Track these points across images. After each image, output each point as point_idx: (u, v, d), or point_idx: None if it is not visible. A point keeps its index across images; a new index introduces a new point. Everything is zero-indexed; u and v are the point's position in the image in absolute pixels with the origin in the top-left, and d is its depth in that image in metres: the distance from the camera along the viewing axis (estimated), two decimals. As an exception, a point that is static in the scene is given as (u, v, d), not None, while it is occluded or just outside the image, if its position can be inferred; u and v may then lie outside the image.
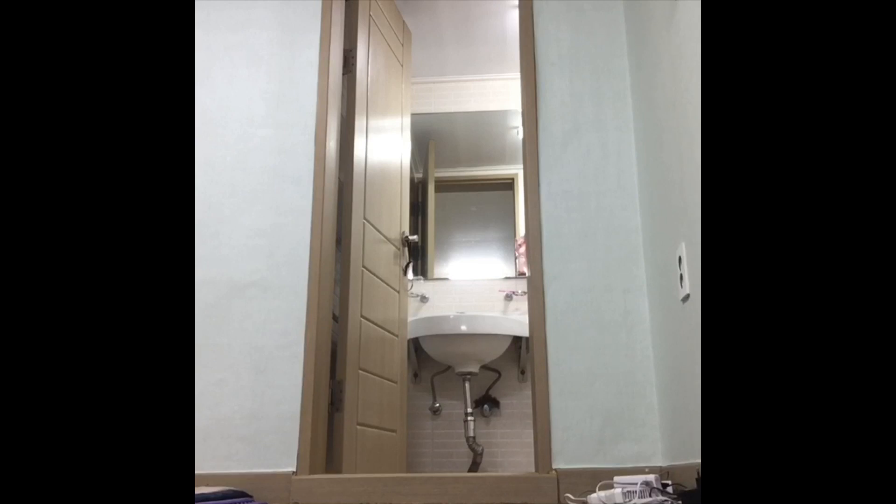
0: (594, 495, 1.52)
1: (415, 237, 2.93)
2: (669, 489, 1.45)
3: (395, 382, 2.64)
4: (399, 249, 2.83)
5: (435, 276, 3.36)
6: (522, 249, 3.30)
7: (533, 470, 1.87)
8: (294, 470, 1.86)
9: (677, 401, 1.66)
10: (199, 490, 1.60)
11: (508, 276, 3.33)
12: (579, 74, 2.17)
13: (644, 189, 1.98)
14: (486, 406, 3.15)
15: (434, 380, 3.22)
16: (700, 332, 1.44)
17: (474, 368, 2.99)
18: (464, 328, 2.88)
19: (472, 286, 3.33)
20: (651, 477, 1.45)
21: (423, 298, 3.31)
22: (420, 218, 3.45)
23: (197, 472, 1.85)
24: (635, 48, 2.07)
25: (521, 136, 2.24)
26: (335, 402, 2.15)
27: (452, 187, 3.50)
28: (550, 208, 2.05)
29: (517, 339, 3.09)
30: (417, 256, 3.39)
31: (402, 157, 2.95)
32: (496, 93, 3.62)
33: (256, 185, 2.13)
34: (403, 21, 3.13)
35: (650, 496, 1.40)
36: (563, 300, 1.96)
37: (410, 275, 3.13)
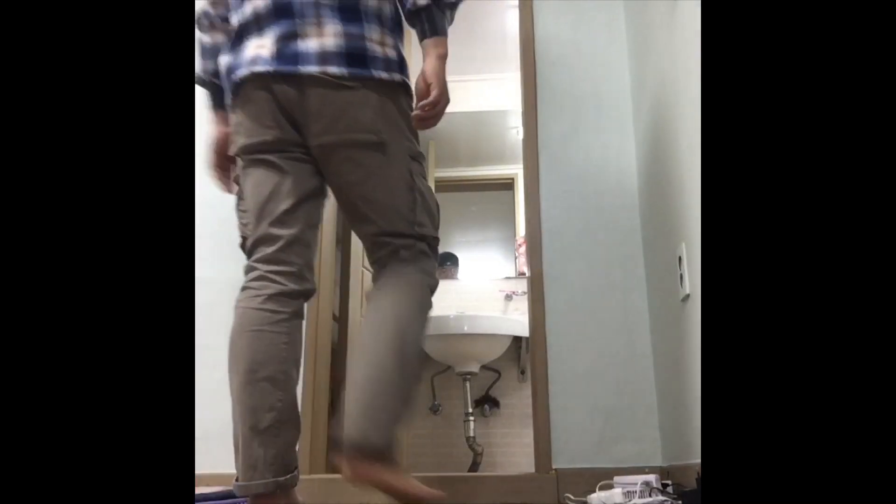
0: (594, 495, 1.52)
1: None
2: (669, 489, 1.45)
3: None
4: (399, 249, 2.82)
5: (435, 276, 3.36)
6: (522, 249, 3.30)
7: (533, 470, 1.87)
8: (294, 470, 1.85)
9: (677, 401, 1.66)
10: (199, 490, 1.60)
11: (508, 276, 3.33)
12: (579, 74, 2.17)
13: (644, 189, 1.98)
14: (486, 406, 3.15)
15: (434, 380, 3.22)
16: (700, 332, 1.44)
17: (474, 368, 2.99)
18: (464, 328, 2.88)
19: (472, 286, 3.33)
20: (651, 477, 1.45)
21: (423, 298, 3.31)
22: (420, 218, 3.45)
23: (197, 472, 1.85)
24: (635, 48, 2.07)
25: (521, 136, 2.24)
26: (335, 402, 2.16)
27: (452, 187, 3.49)
28: (550, 208, 2.05)
29: (517, 339, 3.09)
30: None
31: (402, 157, 2.94)
32: (496, 93, 3.61)
33: (256, 185, 2.12)
34: (403, 21, 3.12)
35: (650, 496, 1.40)
36: (563, 300, 1.96)
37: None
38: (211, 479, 1.82)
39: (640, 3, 1.99)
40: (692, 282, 1.50)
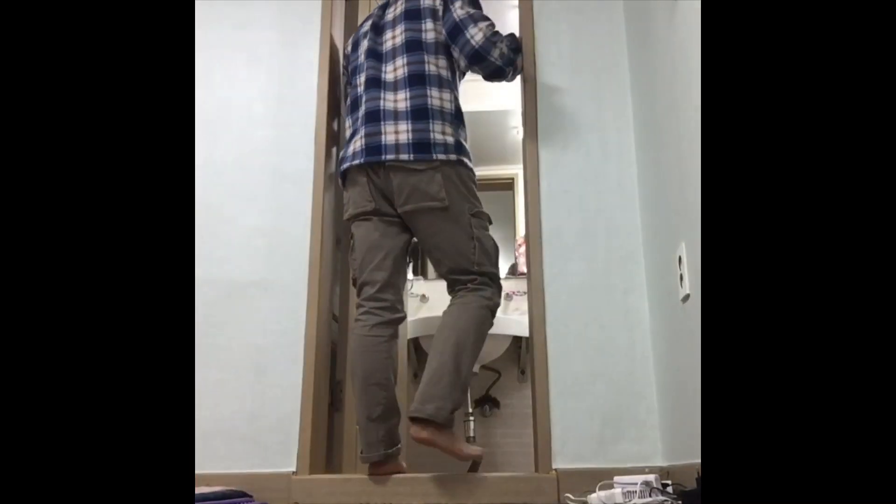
0: (594, 495, 1.51)
1: (415, 237, 2.92)
2: (669, 489, 1.45)
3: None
4: (399, 249, 2.82)
5: (435, 276, 3.36)
6: (522, 249, 3.30)
7: (533, 470, 1.87)
8: (294, 470, 1.85)
9: (677, 401, 1.66)
10: (199, 490, 1.60)
11: (508, 276, 3.33)
12: (579, 74, 2.17)
13: (644, 189, 1.98)
14: (486, 406, 3.15)
15: (434, 380, 3.21)
16: (700, 333, 1.44)
17: (474, 368, 2.98)
18: (464, 328, 2.87)
19: (472, 286, 3.32)
20: (651, 477, 1.45)
21: (424, 298, 3.31)
22: (420, 218, 3.44)
23: (197, 472, 1.85)
24: (635, 48, 2.07)
25: (521, 136, 2.24)
26: (335, 402, 2.15)
27: (452, 187, 3.48)
28: (550, 208, 2.05)
29: (517, 339, 3.08)
30: (417, 256, 3.39)
31: (402, 157, 2.93)
32: (496, 93, 3.61)
33: (256, 185, 2.13)
34: (403, 21, 3.12)
35: (650, 496, 1.40)
36: (563, 300, 1.96)
37: (410, 275, 3.12)
38: (211, 479, 1.82)
39: (640, 3, 1.98)
40: (692, 282, 1.50)
